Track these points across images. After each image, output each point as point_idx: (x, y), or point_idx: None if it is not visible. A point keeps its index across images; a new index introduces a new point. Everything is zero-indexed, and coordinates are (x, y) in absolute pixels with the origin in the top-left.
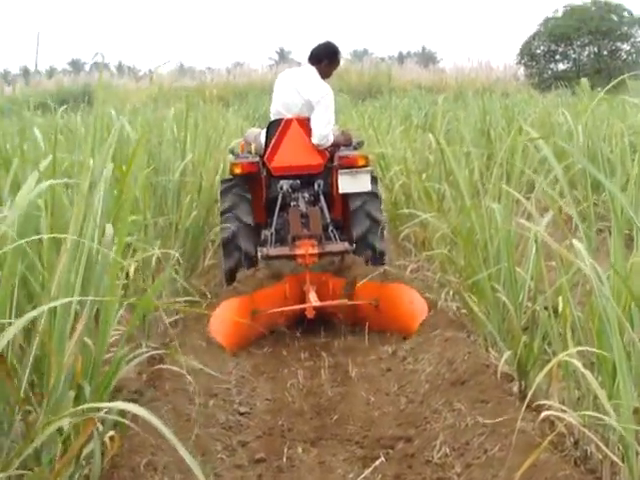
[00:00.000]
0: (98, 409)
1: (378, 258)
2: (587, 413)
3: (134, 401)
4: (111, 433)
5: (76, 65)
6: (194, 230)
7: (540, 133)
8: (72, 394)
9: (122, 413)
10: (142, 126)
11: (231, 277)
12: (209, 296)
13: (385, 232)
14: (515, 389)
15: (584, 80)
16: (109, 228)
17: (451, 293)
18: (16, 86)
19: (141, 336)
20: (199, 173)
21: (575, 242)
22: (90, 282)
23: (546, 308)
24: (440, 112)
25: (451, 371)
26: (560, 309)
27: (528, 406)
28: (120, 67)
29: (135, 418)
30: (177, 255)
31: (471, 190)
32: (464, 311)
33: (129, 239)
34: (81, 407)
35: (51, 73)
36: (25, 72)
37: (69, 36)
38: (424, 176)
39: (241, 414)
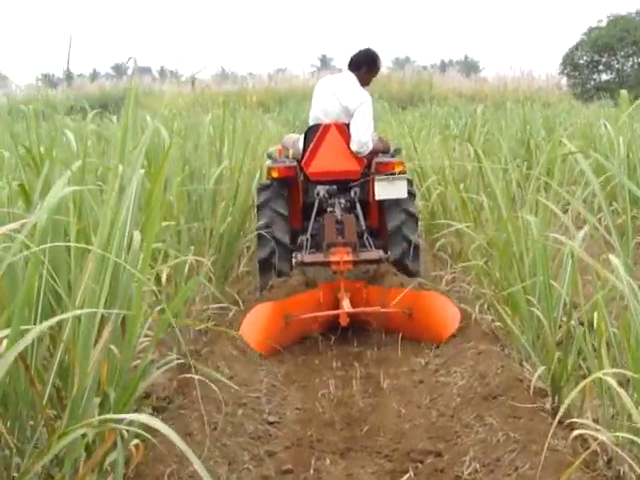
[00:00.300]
0: (118, 420)
1: (411, 252)
2: (621, 434)
3: (162, 408)
4: (136, 441)
5: (119, 69)
6: (228, 236)
7: (580, 145)
8: (97, 401)
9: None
10: (178, 131)
11: (265, 266)
12: (241, 304)
13: (420, 250)
14: (548, 405)
15: (623, 92)
16: (136, 235)
17: (486, 306)
18: (57, 89)
19: (171, 342)
20: (235, 179)
21: (612, 257)
22: (116, 290)
23: (582, 324)
24: (479, 122)
25: (483, 385)
26: (595, 325)
27: (560, 422)
28: (162, 72)
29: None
30: (209, 262)
31: (508, 202)
32: (498, 324)
33: (160, 245)
34: (99, 417)
35: (94, 77)
36: (68, 76)
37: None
38: (461, 186)
39: (270, 424)
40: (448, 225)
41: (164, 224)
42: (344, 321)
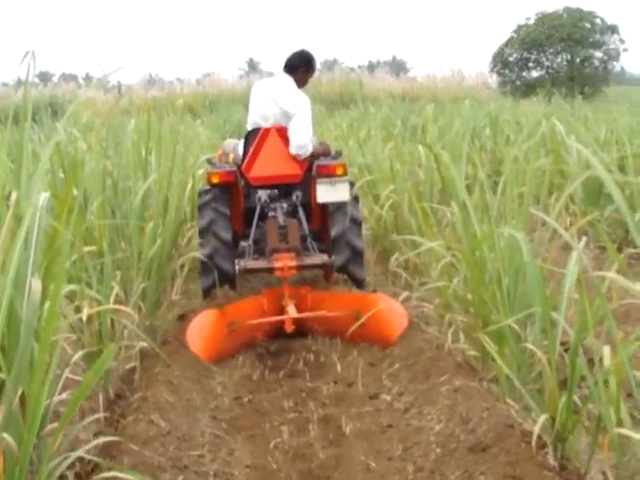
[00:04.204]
0: None
1: (356, 259)
2: None
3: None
4: None
5: (45, 77)
6: (159, 258)
7: (541, 146)
8: None
9: None
10: (99, 141)
11: (209, 293)
12: (171, 340)
13: (366, 256)
14: (551, 460)
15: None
16: (36, 284)
17: (459, 333)
18: None
19: (96, 387)
20: (164, 193)
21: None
22: (11, 353)
23: (590, 360)
24: (430, 121)
25: (467, 432)
26: (606, 360)
27: None
28: (88, 78)
29: None
30: (138, 290)
31: (482, 213)
32: (474, 353)
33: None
34: None
35: (19, 85)
36: None
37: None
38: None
39: None
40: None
41: (85, 249)
42: (289, 328)
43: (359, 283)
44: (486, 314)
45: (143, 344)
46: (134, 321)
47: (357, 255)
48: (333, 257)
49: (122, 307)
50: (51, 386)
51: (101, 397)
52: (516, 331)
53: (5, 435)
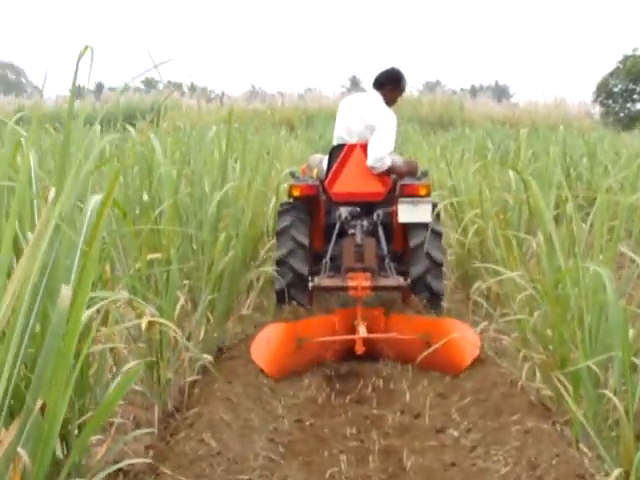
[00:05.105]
0: None
1: (435, 299)
2: None
3: None
4: None
5: (149, 84)
6: (230, 271)
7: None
8: None
9: None
10: (178, 146)
11: (283, 297)
12: (237, 355)
13: (445, 269)
14: None
15: None
16: (65, 291)
17: (535, 370)
18: (84, 101)
19: (153, 395)
20: (241, 203)
21: None
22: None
23: None
24: (523, 146)
25: (534, 478)
26: None
27: None
28: (193, 87)
29: None
30: (205, 301)
31: (568, 245)
32: (549, 393)
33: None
34: None
35: (125, 90)
36: (98, 88)
37: (147, 57)
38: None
39: None
40: (487, 268)
41: (149, 257)
42: (359, 348)
43: (436, 297)
44: (565, 353)
45: (207, 356)
46: (198, 334)
47: (436, 267)
48: (410, 272)
49: (167, 322)
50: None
51: (156, 410)
52: (595, 374)
53: (20, 450)
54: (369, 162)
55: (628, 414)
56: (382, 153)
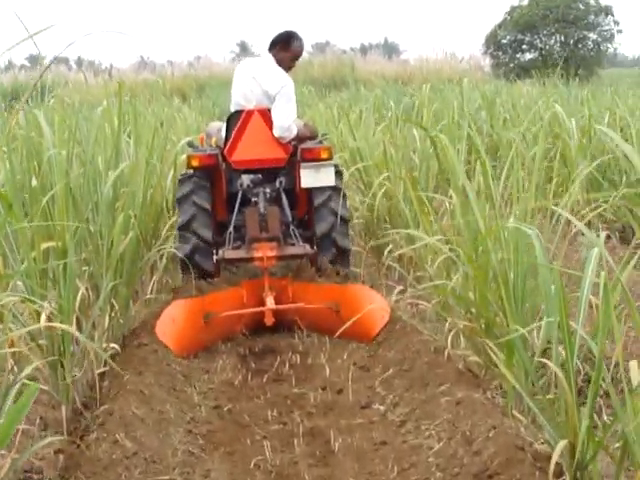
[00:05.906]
0: None
1: (342, 257)
2: None
3: None
4: None
5: (34, 60)
6: (131, 253)
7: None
8: None
9: None
10: (68, 125)
11: (188, 267)
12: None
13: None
14: None
15: None
16: None
17: (460, 336)
18: None
19: (62, 395)
20: (137, 180)
21: None
22: None
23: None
24: (426, 102)
25: (471, 454)
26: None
27: None
28: (80, 61)
29: None
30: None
31: (487, 203)
32: (476, 359)
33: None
34: None
35: (9, 68)
36: None
37: (31, 32)
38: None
39: None
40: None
41: (44, 246)
42: (269, 320)
43: (343, 254)
44: (490, 317)
45: (114, 346)
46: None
47: (341, 223)
48: (316, 227)
49: (57, 326)
50: None
51: (64, 409)
52: (526, 338)
53: None
54: (276, 133)
55: (570, 384)
56: (287, 122)
